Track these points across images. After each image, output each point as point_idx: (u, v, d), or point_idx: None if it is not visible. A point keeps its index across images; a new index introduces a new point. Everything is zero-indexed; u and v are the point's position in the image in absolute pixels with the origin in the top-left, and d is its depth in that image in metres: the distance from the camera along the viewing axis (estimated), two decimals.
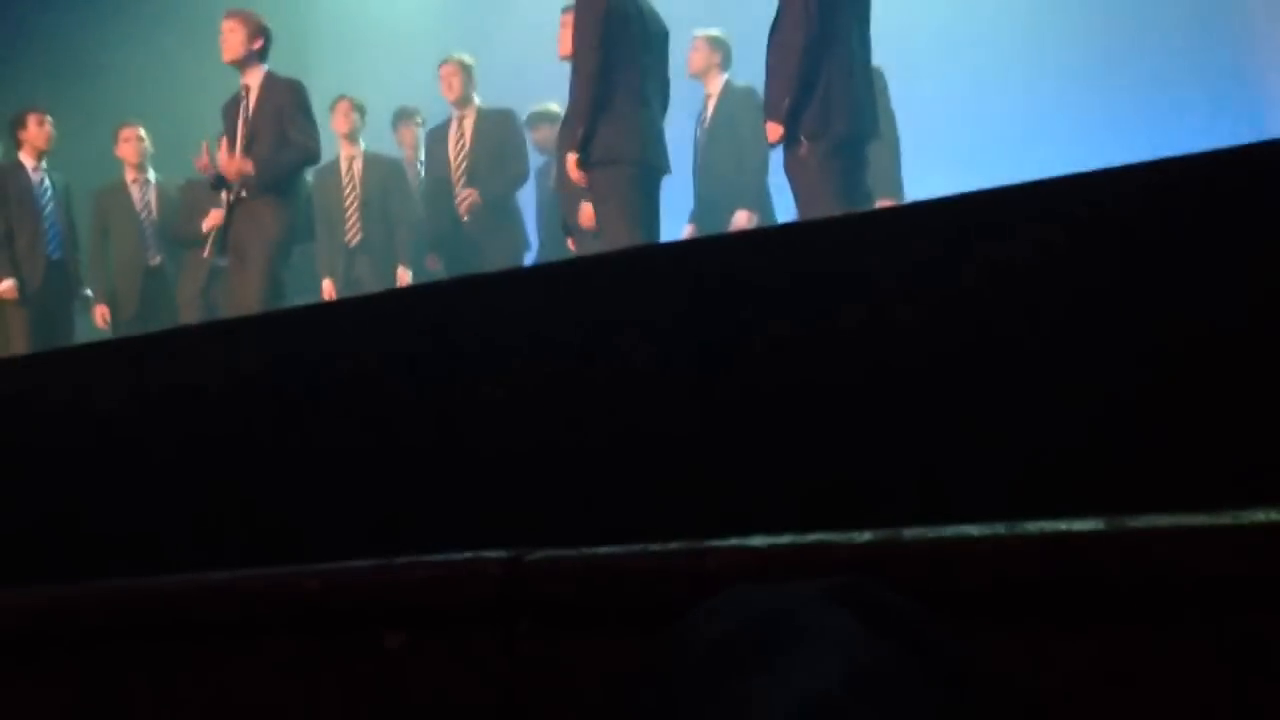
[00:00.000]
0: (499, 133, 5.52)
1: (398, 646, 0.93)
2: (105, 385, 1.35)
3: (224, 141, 5.08)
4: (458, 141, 5.56)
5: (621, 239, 3.94)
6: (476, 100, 5.59)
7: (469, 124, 5.55)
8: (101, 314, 5.92)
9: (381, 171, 5.90)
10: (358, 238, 5.79)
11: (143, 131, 6.02)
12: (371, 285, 5.52)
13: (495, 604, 0.90)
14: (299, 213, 4.94)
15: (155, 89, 6.62)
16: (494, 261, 5.05)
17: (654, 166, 4.21)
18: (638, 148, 4.14)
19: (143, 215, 6.02)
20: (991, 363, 0.96)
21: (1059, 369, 0.94)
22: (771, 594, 0.66)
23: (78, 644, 1.05)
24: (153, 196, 6.05)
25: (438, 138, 5.70)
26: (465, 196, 5.35)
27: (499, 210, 5.44)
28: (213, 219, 5.33)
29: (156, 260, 5.97)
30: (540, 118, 5.56)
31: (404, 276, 5.64)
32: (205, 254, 5.35)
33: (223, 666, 1.00)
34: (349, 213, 5.81)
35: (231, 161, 4.82)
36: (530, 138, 5.60)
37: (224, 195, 4.93)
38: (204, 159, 4.94)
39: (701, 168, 5.07)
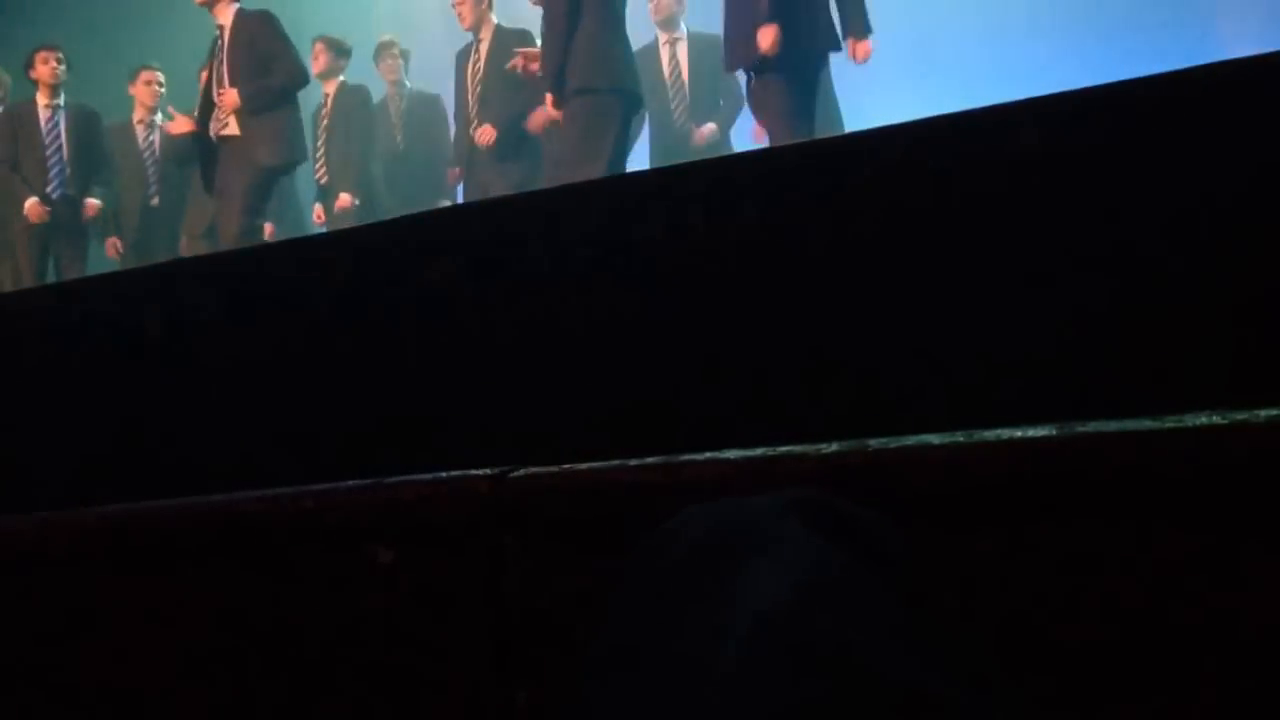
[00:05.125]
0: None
1: (390, 562, 0.98)
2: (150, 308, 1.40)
3: (205, 77, 5.14)
4: (474, 65, 5.44)
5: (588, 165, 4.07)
6: (494, 19, 5.45)
7: (484, 47, 5.42)
8: (113, 245, 6.05)
9: (353, 101, 6.02)
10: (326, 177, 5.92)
11: (161, 77, 6.09)
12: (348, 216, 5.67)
13: (482, 519, 0.94)
14: (287, 139, 5.01)
15: (170, 33, 6.67)
16: (511, 184, 4.98)
17: (631, 93, 4.29)
18: (616, 75, 4.22)
19: (146, 155, 6.10)
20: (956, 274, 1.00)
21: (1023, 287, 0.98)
22: (732, 510, 0.68)
23: (101, 560, 1.10)
24: (156, 138, 6.12)
25: (461, 60, 5.56)
26: (481, 134, 5.26)
27: (514, 133, 5.22)
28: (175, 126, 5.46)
29: (155, 201, 6.07)
30: None
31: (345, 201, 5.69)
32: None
33: (223, 584, 1.04)
34: (319, 148, 5.90)
35: (223, 96, 4.92)
36: None
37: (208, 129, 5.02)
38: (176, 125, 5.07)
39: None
